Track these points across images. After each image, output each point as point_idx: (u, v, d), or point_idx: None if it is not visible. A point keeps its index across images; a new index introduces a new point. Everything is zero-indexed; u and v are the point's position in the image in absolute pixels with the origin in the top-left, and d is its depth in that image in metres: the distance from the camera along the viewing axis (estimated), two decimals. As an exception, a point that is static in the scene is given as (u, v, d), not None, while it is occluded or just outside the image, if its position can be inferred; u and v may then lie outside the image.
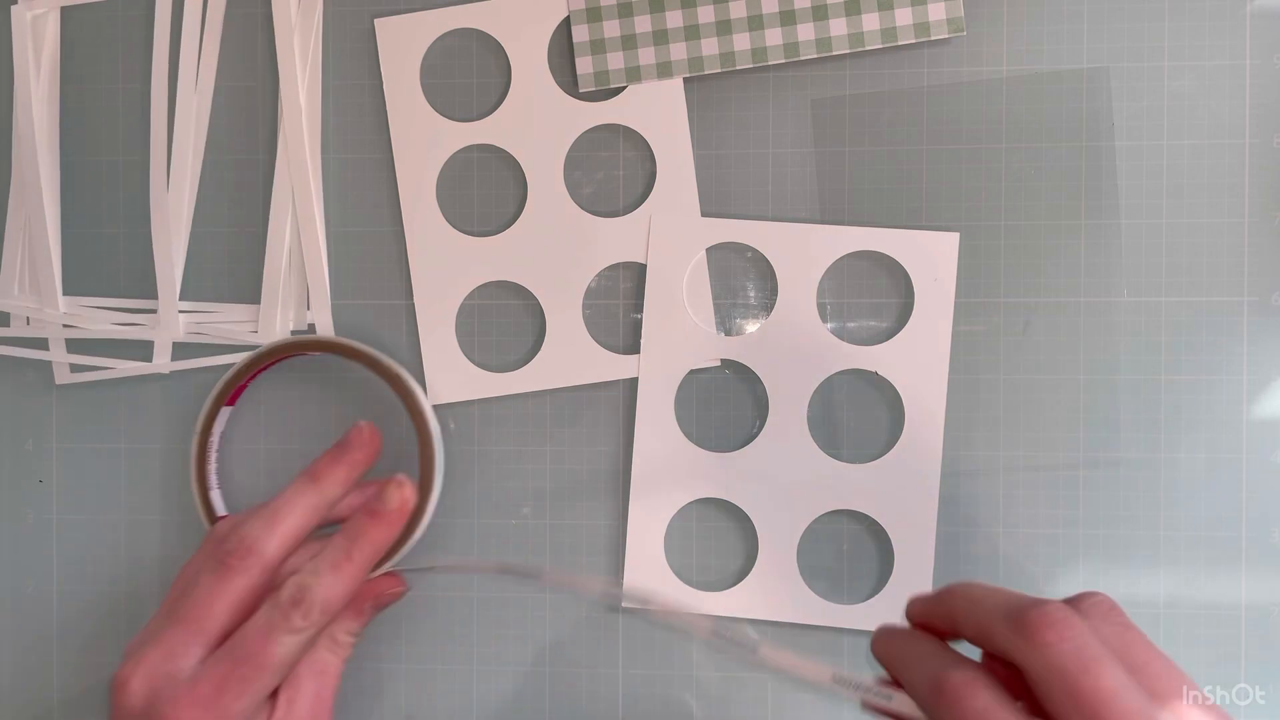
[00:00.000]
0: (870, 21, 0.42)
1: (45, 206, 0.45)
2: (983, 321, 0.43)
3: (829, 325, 0.43)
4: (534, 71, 0.44)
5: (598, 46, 0.43)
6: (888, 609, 0.43)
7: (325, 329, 0.45)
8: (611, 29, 0.43)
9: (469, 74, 0.45)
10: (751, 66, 0.43)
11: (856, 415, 0.44)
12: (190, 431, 0.45)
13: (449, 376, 0.45)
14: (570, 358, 0.45)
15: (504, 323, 0.45)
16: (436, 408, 0.45)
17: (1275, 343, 0.43)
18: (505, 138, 0.45)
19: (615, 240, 0.44)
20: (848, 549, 0.44)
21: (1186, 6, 0.43)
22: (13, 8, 0.45)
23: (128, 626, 0.46)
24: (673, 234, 0.44)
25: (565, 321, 0.45)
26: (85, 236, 0.46)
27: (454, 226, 0.45)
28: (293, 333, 0.45)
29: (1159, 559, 0.43)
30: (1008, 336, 0.43)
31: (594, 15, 0.43)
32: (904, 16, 0.42)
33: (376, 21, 0.45)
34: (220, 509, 0.44)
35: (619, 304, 0.45)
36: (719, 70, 0.43)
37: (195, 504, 0.44)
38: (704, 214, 0.44)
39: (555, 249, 0.45)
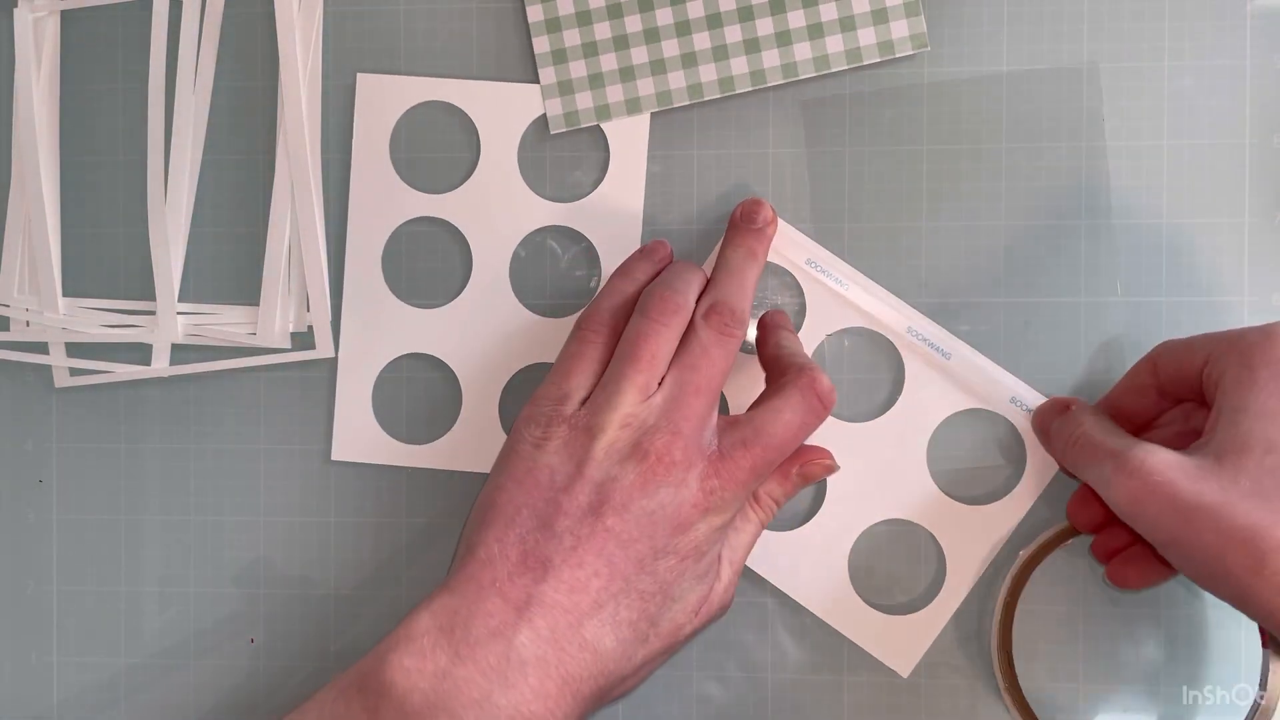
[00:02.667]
0: (834, 44, 0.43)
1: (45, 207, 0.45)
2: (983, 322, 0.43)
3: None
4: (502, 160, 0.44)
5: (565, 88, 0.44)
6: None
7: (323, 332, 0.45)
8: (578, 69, 0.43)
9: (439, 146, 0.45)
10: (719, 96, 0.43)
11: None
12: (188, 431, 0.45)
13: (356, 436, 0.45)
14: (480, 444, 0.45)
15: (422, 396, 0.45)
16: (335, 463, 0.45)
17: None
18: (461, 217, 0.45)
19: (547, 340, 0.44)
20: None
21: (1186, 6, 0.43)
22: (14, 10, 0.45)
23: (128, 626, 0.46)
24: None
25: (482, 408, 0.45)
26: (85, 236, 0.46)
27: (393, 292, 0.45)
28: (294, 327, 0.45)
29: (1159, 559, 0.43)
30: (1008, 337, 0.43)
31: (559, 57, 0.43)
32: (867, 36, 0.43)
33: (359, 77, 0.45)
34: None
35: None
36: (687, 102, 0.43)
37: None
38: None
39: (487, 336, 0.45)
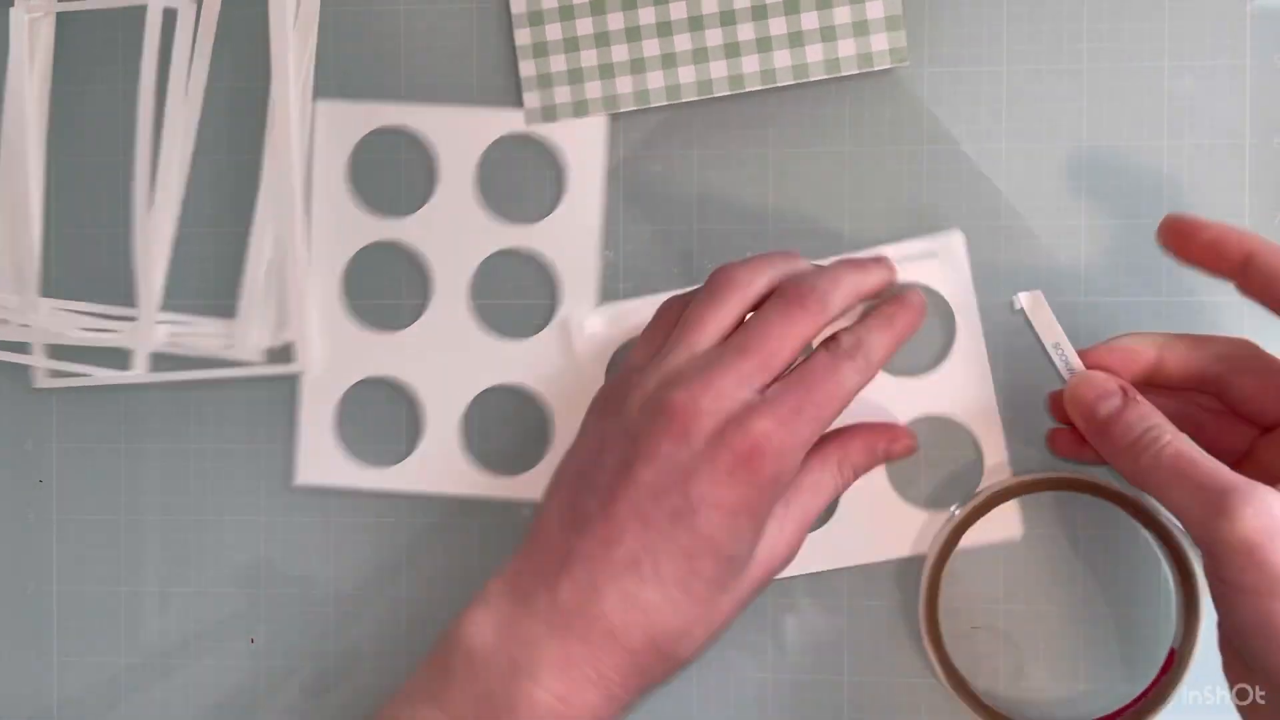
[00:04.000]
0: (814, 53, 0.43)
1: (30, 208, 0.45)
2: (984, 322, 0.43)
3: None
4: (460, 183, 0.45)
5: (544, 81, 0.44)
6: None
7: (306, 349, 0.45)
8: (558, 63, 0.44)
9: (398, 170, 0.45)
10: (697, 99, 0.43)
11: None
12: (189, 432, 0.45)
13: (319, 460, 0.45)
14: (442, 467, 0.45)
15: (384, 419, 0.45)
16: (301, 488, 0.45)
17: (1275, 343, 0.42)
18: (421, 240, 0.45)
19: (507, 362, 0.45)
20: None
21: (1186, 6, 0.43)
22: (10, 10, 0.45)
23: (128, 627, 0.46)
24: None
25: (443, 430, 0.45)
26: (74, 238, 0.46)
27: (354, 315, 0.45)
28: (271, 347, 0.45)
29: (1159, 558, 0.43)
30: (1007, 336, 0.43)
31: (540, 50, 0.43)
32: (847, 48, 0.43)
33: (318, 104, 0.45)
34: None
35: (503, 427, 0.45)
36: (664, 103, 0.43)
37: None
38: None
39: (448, 359, 0.45)
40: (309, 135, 0.45)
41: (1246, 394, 0.37)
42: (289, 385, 0.46)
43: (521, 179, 0.45)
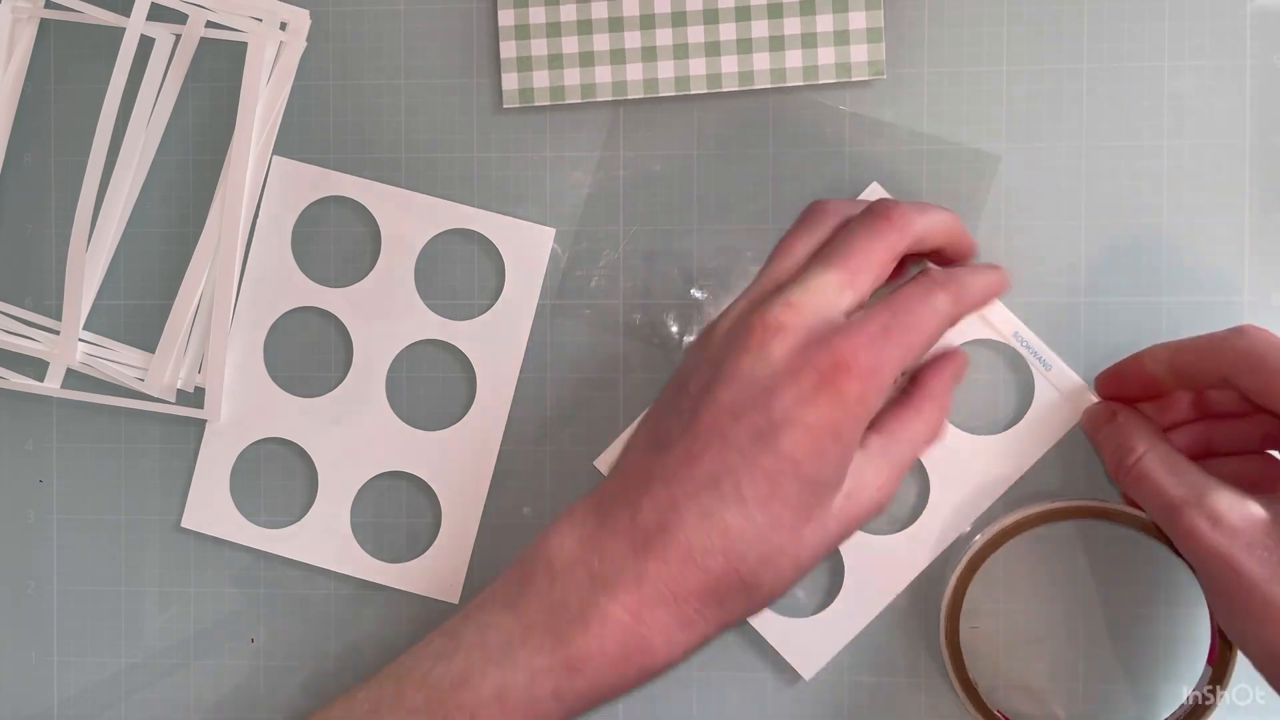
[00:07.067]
0: (793, 59, 0.43)
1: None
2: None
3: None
4: (400, 267, 0.45)
5: (524, 64, 0.44)
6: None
7: (214, 398, 0.45)
8: (539, 47, 0.43)
9: (342, 240, 0.45)
10: (675, 95, 0.43)
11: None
12: (188, 431, 0.45)
13: (208, 507, 0.46)
14: (327, 540, 0.45)
15: (279, 482, 0.46)
16: (188, 530, 0.46)
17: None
18: (350, 314, 0.45)
19: (411, 449, 0.45)
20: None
21: (1186, 6, 0.43)
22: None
23: (128, 626, 0.46)
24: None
25: (335, 505, 0.45)
26: (18, 237, 0.46)
27: (270, 372, 0.45)
28: (183, 385, 0.45)
29: (1159, 559, 0.43)
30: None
31: (522, 33, 0.43)
32: (826, 56, 0.43)
33: (274, 159, 0.45)
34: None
35: (395, 514, 0.45)
36: (641, 95, 0.43)
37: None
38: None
39: (353, 435, 0.45)
40: (261, 188, 0.45)
41: (1257, 391, 0.37)
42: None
43: (462, 273, 0.45)
